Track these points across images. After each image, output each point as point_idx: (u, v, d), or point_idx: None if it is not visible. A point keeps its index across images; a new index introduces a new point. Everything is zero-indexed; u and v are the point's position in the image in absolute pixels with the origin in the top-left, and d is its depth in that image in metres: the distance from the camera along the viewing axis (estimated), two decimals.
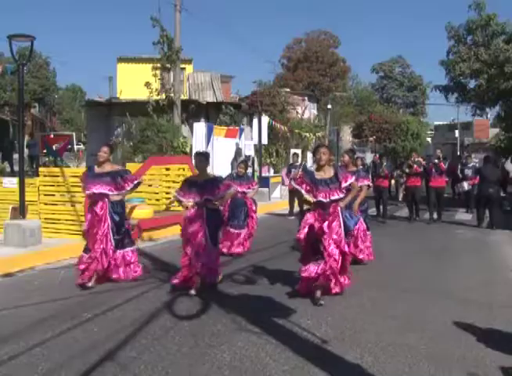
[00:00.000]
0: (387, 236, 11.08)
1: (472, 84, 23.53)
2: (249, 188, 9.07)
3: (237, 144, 18.23)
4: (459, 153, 44.88)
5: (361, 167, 10.10)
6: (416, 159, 13.91)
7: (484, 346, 4.52)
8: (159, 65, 18.54)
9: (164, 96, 18.40)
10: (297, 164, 15.28)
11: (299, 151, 20.05)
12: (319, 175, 5.86)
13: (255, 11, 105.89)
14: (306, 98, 34.20)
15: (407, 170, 13.99)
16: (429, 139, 56.72)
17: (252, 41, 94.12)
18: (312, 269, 5.80)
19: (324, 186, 5.80)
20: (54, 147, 21.57)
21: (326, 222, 5.81)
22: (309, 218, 5.91)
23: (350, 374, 4.04)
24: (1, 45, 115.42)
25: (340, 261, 5.83)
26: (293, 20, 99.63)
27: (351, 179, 5.97)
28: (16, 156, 18.98)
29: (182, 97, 20.55)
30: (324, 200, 5.77)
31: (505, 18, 22.33)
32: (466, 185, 15.20)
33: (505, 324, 5.08)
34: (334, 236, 5.80)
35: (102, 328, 4.87)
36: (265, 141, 20.40)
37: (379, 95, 57.90)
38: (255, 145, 20.01)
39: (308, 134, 26.51)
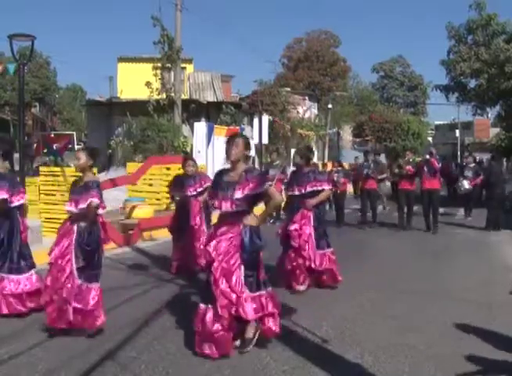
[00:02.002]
0: (386, 237, 11.08)
1: (472, 83, 23.55)
2: (195, 190, 7.41)
3: None
4: (459, 152, 44.93)
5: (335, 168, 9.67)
6: (411, 159, 12.07)
7: (484, 346, 4.52)
8: (159, 64, 18.58)
9: (164, 96, 18.42)
10: (277, 163, 13.07)
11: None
12: (228, 177, 4.31)
13: (255, 11, 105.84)
14: (307, 97, 34.23)
15: (396, 170, 12.24)
16: (430, 139, 56.71)
17: (252, 41, 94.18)
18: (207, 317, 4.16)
19: (228, 191, 4.22)
20: (54, 147, 21.59)
21: (214, 242, 4.20)
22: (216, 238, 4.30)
23: (350, 374, 4.05)
24: (2, 45, 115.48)
25: (236, 304, 4.11)
26: (293, 20, 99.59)
27: (259, 189, 4.17)
28: (16, 155, 18.95)
29: (183, 97, 20.58)
30: (230, 211, 4.23)
31: (505, 18, 22.38)
32: (466, 183, 13.46)
33: (504, 324, 5.08)
34: (224, 265, 4.13)
35: (103, 328, 4.87)
36: (265, 140, 20.40)
37: (379, 94, 57.94)
38: (256, 144, 20.01)
39: (310, 132, 26.50)
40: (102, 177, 14.21)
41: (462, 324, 5.06)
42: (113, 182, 10.29)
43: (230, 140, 4.28)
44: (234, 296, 4.09)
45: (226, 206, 4.18)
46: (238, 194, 4.13)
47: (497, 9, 41.23)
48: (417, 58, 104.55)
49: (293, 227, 6.30)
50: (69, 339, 4.59)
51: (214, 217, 4.89)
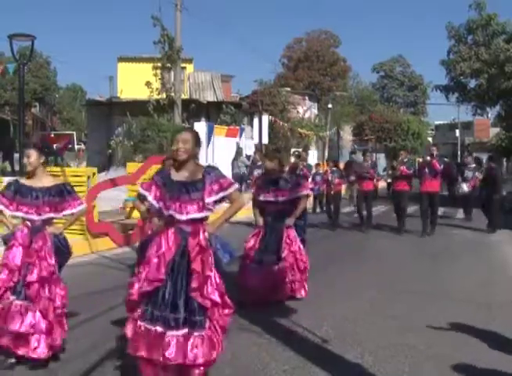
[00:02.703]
0: (384, 238, 11.03)
1: (472, 83, 23.64)
2: None
3: (238, 144, 18.25)
4: (459, 152, 44.94)
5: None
6: (405, 159, 11.61)
7: (483, 346, 4.52)
8: (159, 64, 18.60)
9: (164, 96, 18.44)
10: (260, 163, 12.55)
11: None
12: (176, 176, 3.64)
13: (255, 11, 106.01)
14: (307, 97, 34.25)
15: (390, 172, 11.91)
16: (430, 139, 56.76)
17: (252, 41, 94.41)
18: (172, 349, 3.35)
19: (181, 193, 3.54)
20: (54, 147, 21.61)
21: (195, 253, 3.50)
22: (160, 245, 3.55)
23: (350, 374, 4.05)
24: (2, 45, 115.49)
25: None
26: (293, 20, 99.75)
27: (226, 191, 3.57)
28: (16, 155, 18.96)
29: (183, 96, 20.59)
30: (178, 216, 3.53)
31: (505, 18, 22.53)
32: (465, 186, 13.37)
33: (504, 324, 5.09)
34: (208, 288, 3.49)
35: (102, 328, 4.87)
36: (265, 140, 20.42)
37: (379, 94, 57.96)
38: (256, 144, 20.02)
39: (310, 132, 26.51)
40: (102, 177, 14.22)
41: (462, 324, 5.06)
42: (113, 182, 10.28)
43: (178, 136, 3.63)
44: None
45: (192, 210, 3.52)
46: (208, 196, 3.53)
47: (497, 9, 41.36)
48: (417, 58, 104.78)
49: (285, 253, 5.84)
50: (69, 339, 4.58)
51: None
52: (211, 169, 3.67)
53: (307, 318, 5.26)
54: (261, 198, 5.94)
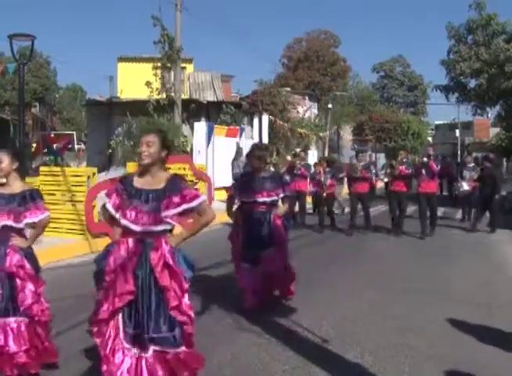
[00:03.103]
0: (383, 240, 10.99)
1: (472, 83, 23.66)
2: None
3: (238, 144, 18.23)
4: (459, 152, 44.98)
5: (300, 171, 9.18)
6: (404, 159, 11.35)
7: (483, 346, 4.52)
8: (159, 64, 18.58)
9: (164, 96, 18.43)
10: (242, 158, 11.88)
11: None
12: (139, 182, 3.38)
13: (255, 11, 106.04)
14: (307, 97, 34.24)
15: (388, 170, 11.56)
16: (430, 139, 56.76)
17: (252, 41, 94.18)
18: None
19: (140, 202, 3.27)
20: (55, 147, 21.60)
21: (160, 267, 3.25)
22: (120, 255, 3.31)
23: (350, 374, 4.05)
24: (2, 45, 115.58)
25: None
26: (293, 20, 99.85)
27: (189, 204, 3.25)
28: None
29: (183, 96, 20.58)
30: (133, 227, 3.26)
31: (505, 17, 22.57)
32: (465, 185, 13.09)
33: (504, 324, 5.08)
34: (174, 303, 3.25)
35: None
36: (265, 140, 20.42)
37: (379, 94, 58.00)
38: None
39: (310, 132, 26.51)
40: (102, 177, 14.21)
41: (462, 324, 5.06)
42: (113, 182, 10.28)
43: (142, 138, 3.34)
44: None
45: (148, 221, 3.22)
46: (166, 208, 3.23)
47: (497, 9, 41.39)
48: (417, 58, 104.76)
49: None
50: (69, 339, 4.59)
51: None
52: (176, 179, 3.36)
53: (307, 318, 5.26)
54: (248, 198, 5.62)
